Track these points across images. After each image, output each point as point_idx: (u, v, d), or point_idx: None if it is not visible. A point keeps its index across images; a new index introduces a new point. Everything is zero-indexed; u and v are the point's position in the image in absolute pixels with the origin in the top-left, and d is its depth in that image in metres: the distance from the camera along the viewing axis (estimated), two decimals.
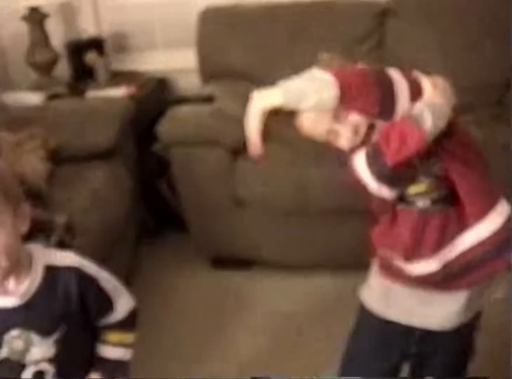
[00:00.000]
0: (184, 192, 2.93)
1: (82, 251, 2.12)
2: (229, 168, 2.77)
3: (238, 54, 3.28)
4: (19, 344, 1.39)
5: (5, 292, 1.38)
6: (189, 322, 2.74)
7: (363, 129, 1.56)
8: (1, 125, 2.62)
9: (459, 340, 1.76)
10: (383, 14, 3.17)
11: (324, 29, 3.18)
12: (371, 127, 1.56)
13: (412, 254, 1.63)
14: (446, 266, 1.62)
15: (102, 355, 1.56)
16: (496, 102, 3.06)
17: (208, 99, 2.91)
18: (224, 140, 2.72)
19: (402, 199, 1.61)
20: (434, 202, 1.59)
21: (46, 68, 3.42)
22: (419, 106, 1.49)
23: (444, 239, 1.60)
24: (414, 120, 1.47)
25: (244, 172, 2.76)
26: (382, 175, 1.52)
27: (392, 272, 1.71)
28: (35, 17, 3.33)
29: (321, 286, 2.84)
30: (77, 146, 2.76)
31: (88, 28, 3.62)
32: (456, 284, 1.64)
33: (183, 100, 3.00)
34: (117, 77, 3.51)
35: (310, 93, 1.47)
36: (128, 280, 2.91)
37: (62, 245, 2.12)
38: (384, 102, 1.49)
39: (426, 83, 1.55)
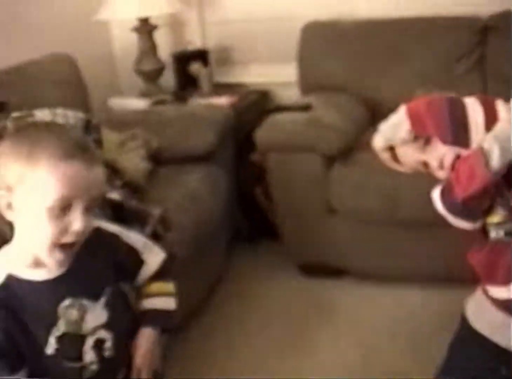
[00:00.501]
0: (278, 198, 2.99)
1: (175, 245, 2.25)
2: (323, 176, 2.81)
3: (336, 68, 3.34)
4: (73, 314, 1.39)
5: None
6: (275, 327, 2.77)
7: (448, 161, 1.59)
8: (106, 125, 2.76)
9: None
10: (485, 30, 3.15)
11: (423, 45, 3.21)
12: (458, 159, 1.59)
13: (487, 279, 1.64)
14: None
15: (147, 307, 1.56)
16: None
17: (306, 108, 2.97)
18: (319, 147, 2.77)
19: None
20: (507, 233, 1.58)
21: (152, 76, 3.58)
22: (489, 138, 1.50)
23: None
24: (482, 155, 1.47)
25: (338, 180, 2.80)
26: (455, 209, 1.55)
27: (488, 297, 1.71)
28: (145, 28, 3.50)
29: (409, 299, 2.82)
30: (178, 149, 2.88)
31: (194, 40, 3.77)
32: None
33: (281, 108, 3.07)
34: (220, 88, 3.64)
35: (393, 130, 1.62)
36: (219, 282, 3.03)
37: (155, 235, 2.24)
38: (455, 128, 1.53)
39: (503, 110, 1.56)
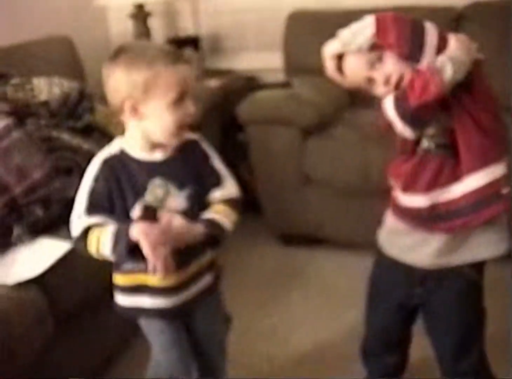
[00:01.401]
0: (258, 170, 3.21)
1: None
2: (300, 148, 3.03)
3: (319, 53, 3.52)
4: (160, 191, 1.70)
5: (154, 151, 1.72)
6: (252, 289, 2.97)
7: (394, 78, 1.76)
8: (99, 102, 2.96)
9: (459, 281, 1.85)
10: (459, 19, 3.35)
11: None
12: (401, 78, 1.77)
13: (407, 187, 1.81)
14: (433, 207, 1.77)
15: (206, 217, 1.75)
16: None
17: (286, 85, 3.18)
18: (296, 121, 2.98)
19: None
20: (437, 146, 1.75)
21: None
22: (442, 58, 1.67)
23: (436, 182, 1.75)
24: (436, 70, 1.65)
25: (314, 152, 3.00)
26: (406, 116, 1.72)
27: (393, 206, 1.91)
28: (140, 14, 3.72)
29: None
30: None
31: (186, 28, 3.99)
32: (437, 226, 1.78)
33: (263, 86, 3.28)
34: (210, 73, 3.84)
35: (354, 34, 1.78)
36: None
37: None
38: (413, 43, 1.68)
39: (452, 38, 1.75)
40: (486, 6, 3.36)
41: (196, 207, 1.75)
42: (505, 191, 1.74)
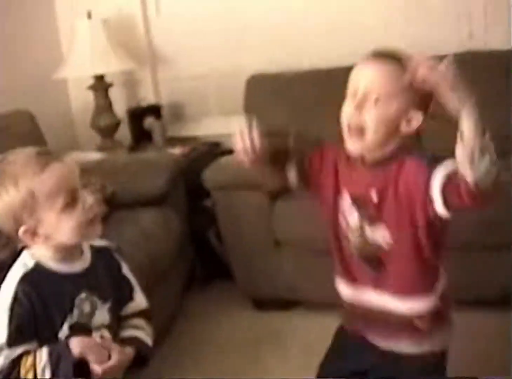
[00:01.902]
0: (227, 235, 3.18)
1: None
2: (267, 211, 3.01)
3: (280, 116, 3.55)
4: (86, 307, 1.58)
5: (72, 261, 1.61)
6: (228, 357, 2.89)
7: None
8: None
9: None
10: None
11: None
12: None
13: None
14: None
15: (129, 335, 1.70)
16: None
17: None
18: (262, 184, 2.96)
19: None
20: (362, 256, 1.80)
21: (109, 132, 3.79)
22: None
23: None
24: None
25: (281, 214, 2.99)
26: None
27: None
28: (101, 86, 3.73)
29: None
30: (131, 192, 3.06)
31: (148, 97, 4.00)
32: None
33: (228, 152, 3.28)
34: (173, 142, 3.85)
35: None
36: (172, 321, 3.15)
37: None
38: None
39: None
40: (438, 59, 3.42)
41: (115, 319, 1.68)
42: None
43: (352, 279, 1.80)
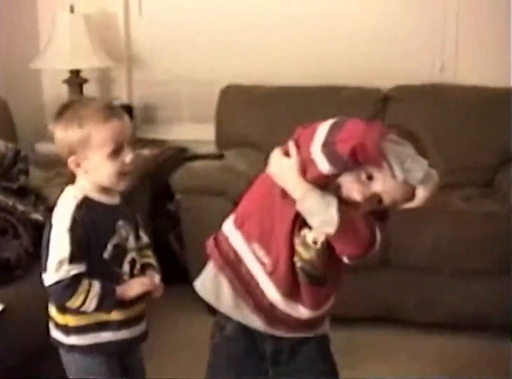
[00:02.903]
0: (188, 239, 3.22)
1: None
2: None
3: (250, 128, 3.64)
4: (124, 231, 1.88)
5: (111, 194, 1.88)
6: (181, 358, 2.96)
7: None
8: (32, 165, 2.95)
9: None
10: (384, 100, 3.52)
11: (329, 111, 3.50)
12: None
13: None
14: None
15: (148, 262, 2.05)
16: (485, 183, 3.38)
17: (219, 156, 3.24)
18: (229, 191, 3.02)
19: None
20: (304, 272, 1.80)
21: None
22: None
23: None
24: None
25: None
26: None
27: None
28: (76, 81, 3.74)
29: None
30: None
31: (121, 96, 4.02)
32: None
33: (197, 157, 3.34)
34: (142, 143, 3.87)
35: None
36: None
37: None
38: None
39: None
40: (409, 88, 3.55)
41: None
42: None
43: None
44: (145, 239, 2.06)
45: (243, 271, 1.83)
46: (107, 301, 1.83)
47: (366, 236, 1.66)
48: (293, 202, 1.67)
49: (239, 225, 1.88)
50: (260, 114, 3.66)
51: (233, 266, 1.86)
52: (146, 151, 3.68)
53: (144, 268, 2.00)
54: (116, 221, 1.87)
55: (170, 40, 3.99)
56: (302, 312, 1.80)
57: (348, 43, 3.75)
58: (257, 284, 1.81)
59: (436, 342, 3.07)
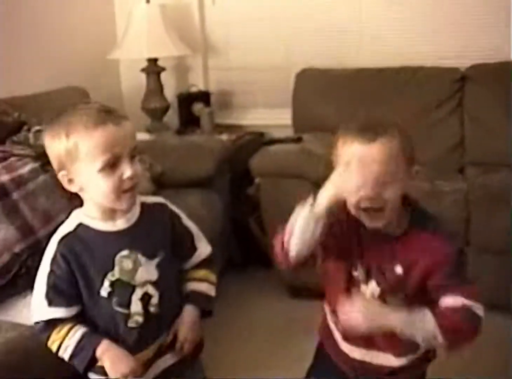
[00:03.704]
0: (269, 223, 3.23)
1: None
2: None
3: (327, 111, 3.62)
4: (128, 264, 1.60)
5: (115, 219, 1.62)
6: (262, 339, 2.99)
7: None
8: None
9: None
10: (463, 79, 3.46)
11: (406, 92, 3.50)
12: None
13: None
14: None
15: (191, 289, 1.75)
16: None
17: (297, 140, 3.25)
18: (308, 174, 3.03)
19: None
20: None
21: (158, 114, 3.88)
22: None
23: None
24: None
25: None
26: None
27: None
28: (153, 69, 3.82)
29: None
30: (179, 174, 3.15)
31: (197, 83, 4.08)
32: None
33: (275, 141, 3.35)
34: (220, 129, 3.93)
35: None
36: None
37: None
38: None
39: None
40: (487, 67, 3.48)
41: (169, 273, 1.69)
42: None
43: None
44: (204, 251, 1.79)
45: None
46: (80, 358, 1.58)
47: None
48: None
49: None
50: (336, 97, 3.65)
51: None
52: (224, 136, 3.73)
53: (187, 297, 1.75)
54: (117, 251, 1.60)
55: (243, 27, 4.02)
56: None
57: (423, 23, 3.70)
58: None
59: None
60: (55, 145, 1.54)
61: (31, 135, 2.63)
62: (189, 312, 1.73)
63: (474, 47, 3.60)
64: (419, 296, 1.67)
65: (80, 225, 1.61)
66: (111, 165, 1.52)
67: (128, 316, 1.62)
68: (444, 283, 1.62)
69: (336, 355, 1.88)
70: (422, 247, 1.65)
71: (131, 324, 1.62)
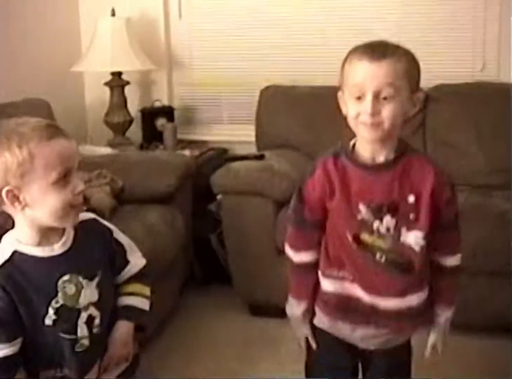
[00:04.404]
0: (229, 240, 3.22)
1: None
2: (272, 218, 3.06)
3: (291, 128, 3.64)
4: (71, 288, 1.55)
5: (52, 243, 1.57)
6: (221, 356, 2.94)
7: None
8: None
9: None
10: (426, 99, 3.48)
11: None
12: None
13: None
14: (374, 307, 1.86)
15: (124, 304, 1.73)
16: None
17: (259, 157, 3.25)
18: (269, 192, 3.03)
19: None
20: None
21: (121, 129, 3.85)
22: None
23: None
24: None
25: (285, 223, 3.03)
26: None
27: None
28: (117, 83, 3.80)
29: None
30: (140, 189, 3.11)
31: (161, 98, 4.06)
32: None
33: (237, 158, 3.34)
34: (183, 144, 3.92)
35: None
36: (170, 318, 3.20)
37: None
38: None
39: None
40: (451, 87, 3.51)
41: (108, 291, 1.67)
42: None
43: (369, 286, 1.82)
44: (138, 264, 1.76)
45: None
46: None
47: None
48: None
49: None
50: (300, 115, 3.65)
51: None
52: (187, 153, 3.71)
53: (120, 312, 1.73)
54: (59, 277, 1.55)
55: (209, 43, 4.02)
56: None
57: None
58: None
59: None
60: (4, 156, 1.45)
61: None
62: (120, 328, 1.71)
63: (438, 67, 3.63)
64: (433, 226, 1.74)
65: (15, 253, 1.54)
66: (63, 179, 1.49)
67: (75, 341, 1.59)
68: (446, 226, 1.78)
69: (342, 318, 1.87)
70: (422, 170, 1.74)
71: (77, 348, 1.60)
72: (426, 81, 3.52)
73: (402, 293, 1.79)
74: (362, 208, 1.75)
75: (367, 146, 1.74)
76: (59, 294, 1.54)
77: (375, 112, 1.65)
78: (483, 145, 3.32)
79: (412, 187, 1.73)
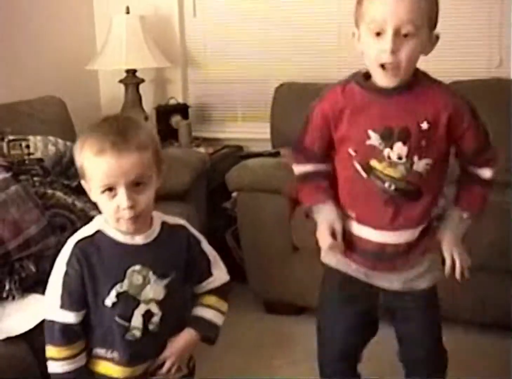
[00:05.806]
0: (245, 237, 3.22)
1: None
2: (288, 216, 3.05)
3: None
4: (138, 279, 1.62)
5: (134, 233, 1.63)
6: (236, 354, 2.94)
7: None
8: None
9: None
10: None
11: None
12: None
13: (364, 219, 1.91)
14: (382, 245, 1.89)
15: (198, 314, 1.76)
16: None
17: (275, 154, 3.24)
18: (284, 188, 3.01)
19: None
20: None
21: None
22: None
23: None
24: None
25: (300, 220, 3.02)
26: None
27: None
28: (132, 80, 3.80)
29: None
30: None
31: (176, 96, 4.06)
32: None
33: (253, 155, 3.34)
34: (198, 141, 3.92)
35: None
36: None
37: None
38: None
39: None
40: (468, 83, 3.46)
41: (177, 295, 1.70)
42: None
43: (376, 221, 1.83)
44: (219, 279, 1.79)
45: None
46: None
47: None
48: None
49: None
50: None
51: None
52: (202, 150, 3.71)
53: (190, 322, 1.76)
54: (130, 265, 1.62)
55: (224, 40, 4.02)
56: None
57: None
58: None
59: None
60: (76, 155, 1.61)
61: (4, 144, 2.59)
62: (184, 335, 1.74)
63: (455, 63, 3.62)
64: (442, 161, 1.78)
65: (98, 232, 1.64)
66: (109, 191, 1.55)
67: (127, 329, 1.63)
68: (477, 149, 1.81)
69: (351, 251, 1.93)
70: (439, 98, 1.74)
71: (128, 337, 1.64)
72: (442, 77, 3.56)
73: (413, 224, 1.81)
74: (371, 133, 1.75)
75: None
76: (125, 281, 1.61)
77: (395, 50, 1.65)
78: (500, 141, 3.28)
79: (426, 114, 1.72)
